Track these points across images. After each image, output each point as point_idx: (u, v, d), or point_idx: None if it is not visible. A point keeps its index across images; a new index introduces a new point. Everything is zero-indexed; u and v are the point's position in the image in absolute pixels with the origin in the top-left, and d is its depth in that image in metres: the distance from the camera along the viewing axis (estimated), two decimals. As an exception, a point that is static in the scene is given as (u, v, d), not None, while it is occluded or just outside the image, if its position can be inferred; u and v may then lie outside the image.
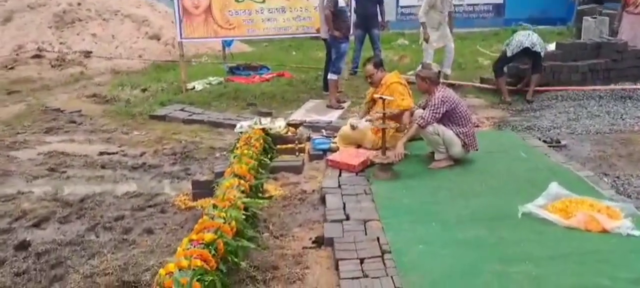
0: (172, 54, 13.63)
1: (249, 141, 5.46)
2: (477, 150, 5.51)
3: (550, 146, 6.34)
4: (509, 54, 8.64)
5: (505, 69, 8.99)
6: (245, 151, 5.12)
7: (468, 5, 18.21)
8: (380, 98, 5.23)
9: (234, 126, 7.29)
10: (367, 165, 5.43)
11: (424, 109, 5.63)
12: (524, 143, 6.32)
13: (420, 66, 5.50)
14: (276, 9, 9.57)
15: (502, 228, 4.05)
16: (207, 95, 9.05)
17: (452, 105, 5.28)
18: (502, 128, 7.39)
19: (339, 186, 4.99)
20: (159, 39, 14.63)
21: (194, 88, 9.48)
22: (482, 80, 9.82)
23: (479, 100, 8.99)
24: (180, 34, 9.40)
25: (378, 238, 3.92)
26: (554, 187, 4.45)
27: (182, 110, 8.18)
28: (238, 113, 8.20)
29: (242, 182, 4.43)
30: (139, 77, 10.99)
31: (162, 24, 14.87)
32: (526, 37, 8.53)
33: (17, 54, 13.39)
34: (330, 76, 8.63)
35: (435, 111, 5.21)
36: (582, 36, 11.95)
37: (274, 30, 9.75)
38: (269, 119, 6.53)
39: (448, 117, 5.33)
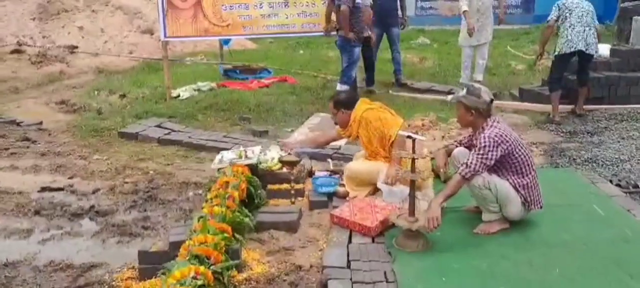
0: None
1: (225, 189, 3.96)
2: (541, 208, 3.97)
3: (627, 193, 4.80)
4: (557, 52, 7.10)
5: (562, 80, 7.42)
6: (217, 208, 3.63)
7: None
8: (409, 137, 3.70)
9: (218, 150, 5.84)
10: (387, 224, 3.93)
11: (466, 147, 4.11)
12: (593, 189, 4.77)
13: (463, 89, 3.94)
14: (278, 3, 8.06)
15: None
16: (194, 105, 7.56)
17: (510, 148, 3.75)
18: (556, 159, 5.84)
19: (348, 265, 3.48)
20: (152, 34, 13.19)
21: (178, 96, 7.99)
22: (522, 93, 8.24)
23: (520, 117, 7.43)
24: (164, 32, 7.92)
25: None
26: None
27: (158, 126, 6.70)
28: (227, 130, 6.72)
29: (201, 269, 2.94)
30: (122, 79, 9.55)
31: (157, 17, 13.40)
32: (581, 36, 6.95)
33: (-6, 49, 12.02)
34: (339, 87, 7.14)
35: (485, 157, 3.67)
36: (632, 39, 10.33)
37: (274, 28, 8.26)
38: (258, 148, 5.03)
39: (503, 164, 3.79)
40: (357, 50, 7.15)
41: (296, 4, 8.08)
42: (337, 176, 4.90)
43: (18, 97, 8.98)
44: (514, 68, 10.63)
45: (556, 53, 7.18)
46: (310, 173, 5.10)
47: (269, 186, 4.70)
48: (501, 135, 3.72)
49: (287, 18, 8.15)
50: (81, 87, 9.45)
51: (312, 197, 4.57)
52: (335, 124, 4.99)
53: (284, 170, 4.72)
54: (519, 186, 3.81)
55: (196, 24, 7.92)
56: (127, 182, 5.19)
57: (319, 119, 7.25)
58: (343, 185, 4.64)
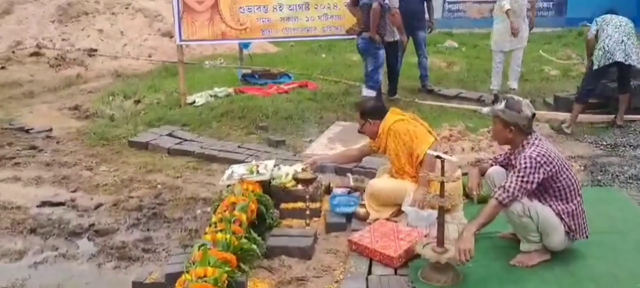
0: (185, 53, 11.94)
1: (232, 212, 3.57)
2: (586, 238, 3.50)
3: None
4: (595, 65, 6.60)
5: (592, 93, 6.92)
6: (220, 235, 3.24)
7: (524, 2, 15.92)
8: (438, 157, 3.28)
9: (230, 162, 5.49)
10: (412, 254, 3.50)
11: (502, 166, 3.65)
12: (643, 210, 4.28)
13: (502, 102, 3.47)
14: (298, 5, 7.68)
15: None
16: (209, 112, 7.21)
17: (554, 170, 3.29)
18: (597, 176, 5.33)
19: (367, 301, 3.08)
20: (171, 37, 12.89)
21: (194, 102, 7.66)
22: (557, 101, 7.72)
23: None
24: (180, 36, 7.59)
25: None
26: None
27: (170, 135, 6.36)
28: (242, 140, 6.35)
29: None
30: (138, 84, 9.26)
31: (176, 20, 13.17)
32: (619, 46, 6.47)
33: (13, 51, 11.89)
34: (366, 92, 6.72)
35: (525, 180, 3.22)
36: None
37: (295, 32, 7.87)
38: (271, 162, 4.64)
39: (545, 188, 3.34)
40: (382, 53, 6.73)
41: (317, 7, 7.69)
42: (357, 194, 4.47)
43: (33, 101, 8.78)
44: (547, 74, 10.08)
45: (594, 67, 6.66)
46: (328, 190, 4.70)
47: (283, 205, 4.32)
48: (544, 155, 3.26)
49: (307, 21, 7.77)
50: (97, 91, 9.21)
51: (329, 218, 4.17)
52: (360, 132, 4.55)
53: (299, 187, 4.31)
54: (563, 213, 3.34)
55: (213, 27, 7.58)
56: (132, 197, 4.85)
57: (340, 127, 6.85)
58: (363, 205, 4.21)
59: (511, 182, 3.24)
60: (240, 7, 7.58)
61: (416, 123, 4.24)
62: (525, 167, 3.23)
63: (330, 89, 8.40)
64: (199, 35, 7.61)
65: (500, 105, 3.43)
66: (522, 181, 3.22)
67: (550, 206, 3.35)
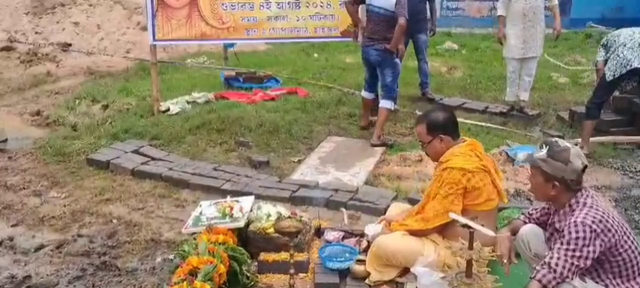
0: (166, 50, 11.11)
1: (192, 283, 2.75)
2: (650, 323, 2.73)
3: None
4: (609, 77, 5.81)
5: (602, 107, 6.16)
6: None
7: (526, 1, 15.14)
8: (465, 226, 2.47)
9: (204, 188, 4.71)
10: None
11: (539, 224, 2.87)
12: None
13: (543, 148, 2.67)
14: (287, 3, 6.86)
15: None
16: (183, 123, 6.37)
17: (613, 239, 2.50)
18: (632, 214, 4.58)
19: None
20: (152, 32, 12.09)
21: (168, 110, 6.82)
22: (573, 116, 6.94)
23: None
24: (153, 35, 6.74)
25: None
26: None
27: (136, 151, 5.52)
28: (219, 160, 5.53)
29: None
30: (109, 85, 8.42)
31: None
32: (635, 52, 5.70)
33: (-18, 46, 11.00)
34: (384, 104, 6.02)
35: (577, 255, 2.44)
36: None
37: (283, 32, 7.05)
38: (249, 200, 3.84)
39: (600, 262, 2.56)
40: (399, 62, 6.05)
41: (309, 5, 6.88)
42: (353, 242, 3.69)
43: (-8, 104, 7.92)
44: (556, 81, 9.30)
45: (608, 78, 5.86)
46: (318, 232, 3.92)
47: (262, 255, 3.52)
48: (601, 222, 2.47)
49: (298, 21, 6.96)
50: (66, 93, 8.35)
51: (318, 276, 3.38)
52: (423, 148, 3.53)
53: (282, 236, 3.50)
54: (624, 294, 2.57)
55: (191, 26, 6.74)
56: (81, 235, 4.03)
57: (332, 144, 6.04)
58: (362, 260, 3.41)
59: (559, 258, 2.45)
60: (223, 4, 6.75)
61: (485, 178, 3.22)
62: (577, 238, 2.44)
63: (322, 97, 7.58)
64: (175, 34, 6.76)
65: (541, 153, 2.63)
66: (573, 257, 2.43)
67: (607, 286, 2.57)
